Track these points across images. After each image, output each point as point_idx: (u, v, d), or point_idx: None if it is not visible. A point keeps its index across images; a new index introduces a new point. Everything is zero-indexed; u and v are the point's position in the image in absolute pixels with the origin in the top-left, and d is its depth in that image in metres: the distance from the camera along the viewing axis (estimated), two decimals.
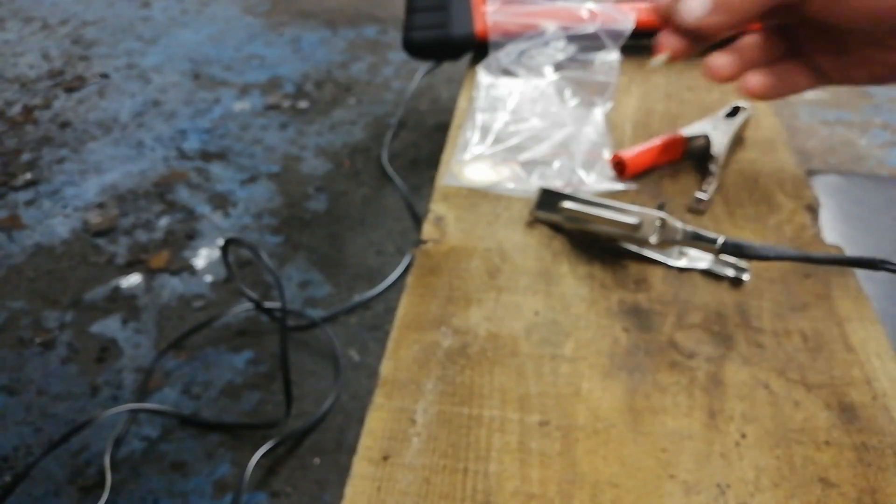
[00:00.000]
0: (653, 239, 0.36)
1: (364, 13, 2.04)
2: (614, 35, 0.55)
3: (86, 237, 1.24)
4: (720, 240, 0.34)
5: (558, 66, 0.54)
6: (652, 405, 0.31)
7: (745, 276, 0.37)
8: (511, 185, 0.44)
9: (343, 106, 1.61)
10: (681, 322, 0.35)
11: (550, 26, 0.56)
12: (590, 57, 0.54)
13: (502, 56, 0.55)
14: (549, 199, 0.41)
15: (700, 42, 0.34)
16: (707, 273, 0.37)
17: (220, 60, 1.81)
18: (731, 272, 0.37)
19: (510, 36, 0.56)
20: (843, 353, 0.33)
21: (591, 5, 0.57)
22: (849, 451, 0.29)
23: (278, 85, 1.69)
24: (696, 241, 0.35)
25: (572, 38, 0.55)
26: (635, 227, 0.36)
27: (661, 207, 0.38)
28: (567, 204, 0.39)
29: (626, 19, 0.55)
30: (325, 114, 1.58)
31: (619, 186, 0.44)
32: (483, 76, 0.54)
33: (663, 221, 0.36)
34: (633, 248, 0.39)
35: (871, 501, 0.27)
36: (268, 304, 1.04)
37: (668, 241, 0.36)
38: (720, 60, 0.36)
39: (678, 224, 0.36)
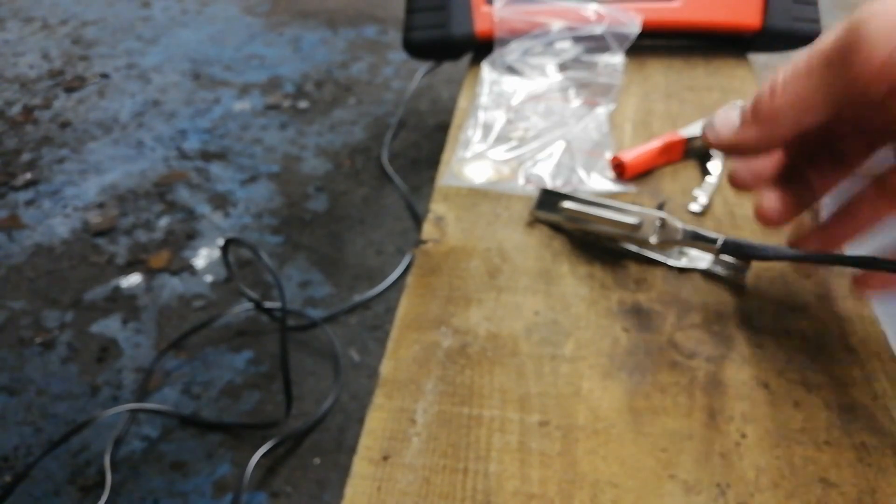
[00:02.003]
0: (653, 239, 0.36)
1: (364, 13, 2.04)
2: (620, 38, 0.54)
3: (86, 237, 1.24)
4: (720, 240, 0.34)
5: (562, 67, 0.54)
6: (652, 405, 0.31)
7: (746, 276, 0.37)
8: (511, 185, 0.44)
9: (343, 106, 1.61)
10: (681, 322, 0.35)
11: (556, 26, 0.56)
12: (594, 58, 0.54)
13: (507, 53, 0.55)
14: (549, 198, 0.41)
15: (744, 156, 0.31)
16: (707, 273, 0.37)
17: (221, 60, 1.81)
18: (731, 272, 0.37)
19: (516, 33, 0.56)
20: (843, 353, 0.33)
21: (597, 7, 0.57)
22: (849, 452, 0.29)
23: (278, 85, 1.69)
24: (696, 240, 0.35)
25: (578, 39, 0.55)
26: (635, 227, 0.36)
27: (661, 207, 0.38)
28: (567, 204, 0.39)
29: (633, 22, 0.55)
30: (325, 114, 1.58)
31: (620, 187, 0.44)
32: (487, 72, 0.54)
33: (663, 221, 0.36)
34: (634, 248, 0.39)
35: (871, 501, 0.27)
36: (268, 304, 1.04)
37: (668, 241, 0.36)
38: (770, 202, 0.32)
39: (678, 224, 0.36)
